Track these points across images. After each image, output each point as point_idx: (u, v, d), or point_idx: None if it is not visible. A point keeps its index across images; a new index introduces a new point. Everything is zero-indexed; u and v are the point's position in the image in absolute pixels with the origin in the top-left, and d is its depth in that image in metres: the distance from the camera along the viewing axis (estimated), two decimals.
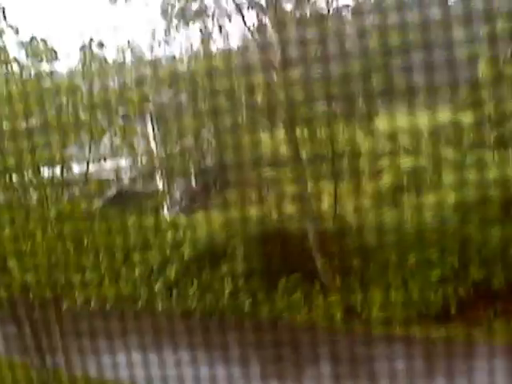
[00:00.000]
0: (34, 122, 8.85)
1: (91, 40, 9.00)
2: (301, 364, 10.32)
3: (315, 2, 12.00)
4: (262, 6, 11.82)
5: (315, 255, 12.04)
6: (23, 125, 8.70)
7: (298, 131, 11.95)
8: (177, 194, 12.98)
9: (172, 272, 13.12)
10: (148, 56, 11.02)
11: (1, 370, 10.37)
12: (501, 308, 10.63)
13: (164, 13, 11.54)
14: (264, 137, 12.17)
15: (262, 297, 12.25)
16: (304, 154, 11.89)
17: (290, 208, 12.34)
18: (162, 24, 11.58)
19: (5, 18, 8.51)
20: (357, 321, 11.27)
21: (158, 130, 11.87)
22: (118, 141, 9.66)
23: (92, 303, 11.33)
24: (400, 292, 11.18)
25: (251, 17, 12.09)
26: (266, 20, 11.98)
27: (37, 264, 9.00)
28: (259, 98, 11.32)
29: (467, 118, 11.69)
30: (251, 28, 12.03)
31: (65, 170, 9.43)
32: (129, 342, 10.89)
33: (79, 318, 11.33)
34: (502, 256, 10.72)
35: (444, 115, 11.83)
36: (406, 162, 12.35)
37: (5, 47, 8.53)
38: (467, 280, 10.99)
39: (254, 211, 12.55)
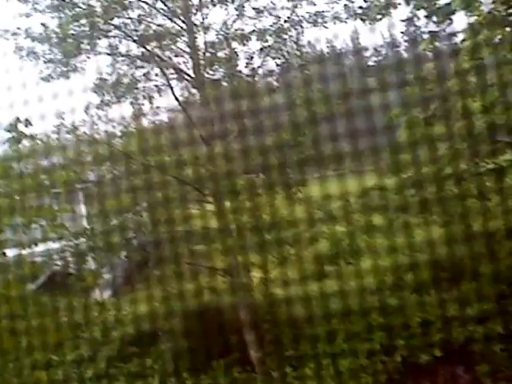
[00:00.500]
0: None
1: (18, 119, 8.75)
2: None
3: (242, 77, 12.37)
4: (189, 80, 12.05)
5: (245, 334, 11.78)
6: None
7: (226, 204, 11.93)
8: (108, 275, 12.60)
9: (102, 359, 12.65)
10: (81, 132, 10.89)
11: None
12: None
13: (97, 88, 11.60)
14: (194, 210, 12.21)
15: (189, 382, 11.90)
16: (233, 226, 11.83)
17: (220, 285, 12.19)
18: (95, 99, 11.68)
19: None
20: None
21: (90, 207, 11.60)
22: (49, 222, 9.28)
23: None
24: (330, 372, 11.04)
25: (180, 90, 12.47)
26: (195, 94, 12.25)
27: None
28: (189, 171, 11.41)
29: (391, 182, 12.07)
30: (180, 101, 12.23)
31: None
32: None
33: None
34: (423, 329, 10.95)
35: (370, 180, 12.31)
36: (334, 229, 12.57)
37: None
38: (395, 356, 10.97)
39: (184, 288, 12.38)
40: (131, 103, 11.76)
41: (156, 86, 12.32)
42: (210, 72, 12.33)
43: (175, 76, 12.24)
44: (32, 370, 9.98)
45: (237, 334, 11.83)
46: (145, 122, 12.11)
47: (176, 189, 11.60)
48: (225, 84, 12.69)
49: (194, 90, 12.29)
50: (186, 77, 12.03)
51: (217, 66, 12.35)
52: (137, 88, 12.11)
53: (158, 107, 12.18)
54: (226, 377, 11.71)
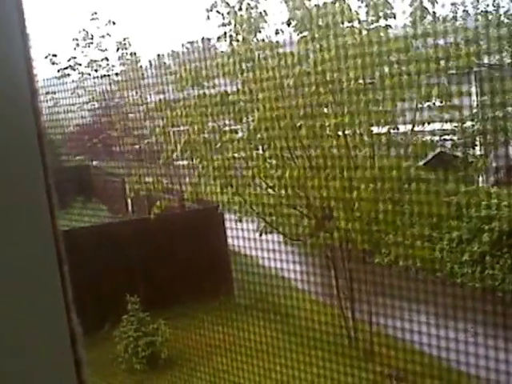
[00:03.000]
0: (368, 79, 8.73)
1: None
2: None
3: None
4: None
5: None
6: (359, 81, 8.58)
7: None
8: (494, 164, 12.00)
9: (479, 245, 12.38)
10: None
11: (308, 310, 10.48)
12: None
13: None
14: None
15: None
16: None
17: None
18: None
19: None
20: None
21: (483, 93, 10.97)
22: (442, 102, 8.95)
23: (400, 262, 11.28)
24: None
25: None
26: None
27: (359, 216, 8.95)
28: None
29: None
30: None
31: (392, 130, 9.27)
32: (423, 308, 10.59)
33: (385, 275, 11.39)
34: None
35: None
36: None
37: (348, 3, 8.42)
38: None
39: None
40: None
41: None
42: None
43: None
44: (412, 241, 9.97)
45: None
46: None
47: None
48: None
49: None
50: None
51: None
52: None
53: None
54: None
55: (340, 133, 8.97)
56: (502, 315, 10.70)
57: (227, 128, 9.74)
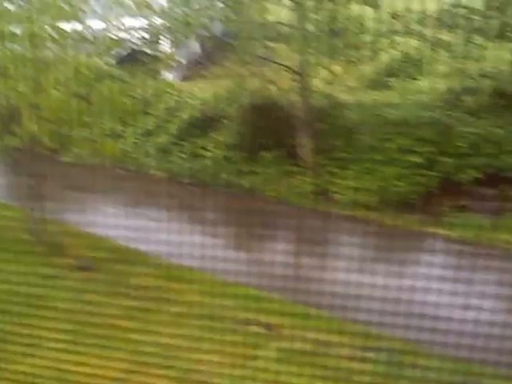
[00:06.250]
0: None
1: None
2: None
3: None
4: None
5: (299, 132, 11.12)
6: None
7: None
8: (181, 59, 11.73)
9: (165, 136, 12.30)
10: None
11: None
12: (465, 203, 9.65)
13: None
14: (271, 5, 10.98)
15: (242, 168, 11.51)
16: (309, 26, 10.64)
17: (285, 82, 11.30)
18: None
19: None
20: (325, 200, 10.48)
21: None
22: None
23: (89, 158, 10.64)
24: (373, 177, 10.37)
25: None
26: None
27: (46, 117, 8.16)
28: None
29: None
30: None
31: (82, 26, 8.25)
32: (114, 199, 10.48)
33: (75, 171, 10.68)
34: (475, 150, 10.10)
35: None
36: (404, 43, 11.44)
37: None
38: (439, 171, 10.12)
39: (252, 83, 11.54)
40: None
41: None
42: None
43: None
44: (102, 138, 9.37)
45: (291, 131, 11.15)
46: None
47: None
48: None
49: None
50: None
51: None
52: None
53: None
54: (277, 167, 11.29)
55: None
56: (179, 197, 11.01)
57: None
